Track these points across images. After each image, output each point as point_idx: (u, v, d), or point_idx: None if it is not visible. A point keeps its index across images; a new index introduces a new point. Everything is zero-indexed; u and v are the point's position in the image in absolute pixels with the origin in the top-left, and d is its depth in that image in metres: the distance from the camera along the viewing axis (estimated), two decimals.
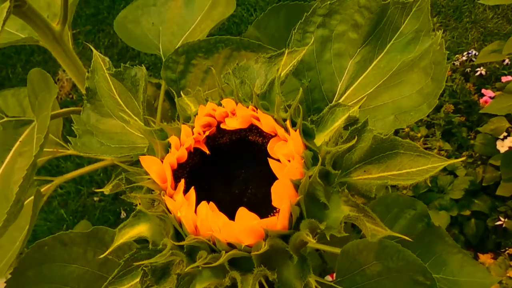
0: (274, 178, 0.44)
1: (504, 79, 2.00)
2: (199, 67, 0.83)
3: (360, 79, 0.49)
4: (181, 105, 0.49)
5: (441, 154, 1.90)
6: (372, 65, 0.50)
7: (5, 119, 0.64)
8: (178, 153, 0.39)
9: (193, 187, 0.37)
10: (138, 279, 0.42)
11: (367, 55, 0.49)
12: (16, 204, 0.49)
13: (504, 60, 2.08)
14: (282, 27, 1.00)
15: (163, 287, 0.40)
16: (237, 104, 0.40)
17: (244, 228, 0.34)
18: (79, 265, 0.55)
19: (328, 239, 0.38)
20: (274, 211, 0.40)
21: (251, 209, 0.43)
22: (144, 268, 0.39)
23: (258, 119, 0.39)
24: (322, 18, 0.50)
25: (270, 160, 0.36)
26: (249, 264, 0.37)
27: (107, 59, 0.48)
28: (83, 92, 0.79)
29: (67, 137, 0.47)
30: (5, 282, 0.54)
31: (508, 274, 1.49)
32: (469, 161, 1.88)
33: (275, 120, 0.39)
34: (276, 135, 0.40)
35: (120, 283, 0.42)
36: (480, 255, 1.76)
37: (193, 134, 0.40)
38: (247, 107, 0.40)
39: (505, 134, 1.82)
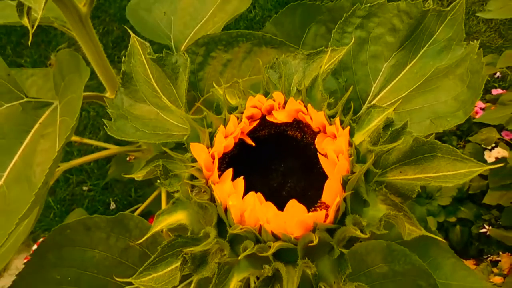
0: (312, 172, 0.45)
1: (494, 91, 2.07)
2: (218, 59, 0.83)
3: (393, 82, 0.51)
4: (216, 94, 0.50)
5: None
6: (406, 69, 0.51)
7: (25, 99, 0.63)
8: (226, 142, 0.39)
9: (242, 176, 0.37)
10: (172, 267, 0.43)
11: (401, 59, 0.51)
12: (44, 186, 0.49)
13: (495, 73, 2.14)
14: (297, 26, 1.01)
15: (200, 275, 0.40)
16: (285, 98, 0.41)
17: (295, 220, 0.34)
18: (100, 250, 0.54)
19: (368, 235, 0.39)
20: (316, 205, 0.41)
21: None
22: (184, 255, 0.39)
23: (306, 114, 0.40)
24: (360, 19, 0.51)
25: (320, 157, 0.37)
26: (289, 255, 0.38)
27: (147, 43, 0.48)
28: (101, 78, 0.78)
29: (103, 120, 0.47)
30: (24, 264, 0.53)
31: (490, 280, 1.54)
32: None
33: None
34: (320, 131, 0.41)
35: (154, 270, 0.42)
36: (464, 261, 1.82)
37: (239, 124, 0.40)
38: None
39: (493, 145, 1.88)
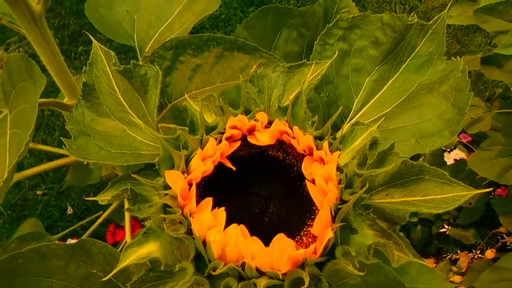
0: (296, 196, 0.42)
1: None
2: (186, 64, 0.78)
3: (376, 97, 0.49)
4: (189, 109, 0.45)
5: None
6: (388, 84, 0.49)
7: None
8: (204, 167, 0.35)
9: (223, 207, 0.34)
10: None
11: (384, 74, 0.49)
12: None
13: None
14: (269, 30, 0.98)
15: None
16: (268, 118, 0.38)
17: (284, 257, 0.31)
18: (57, 279, 0.49)
19: (357, 266, 0.37)
20: (301, 233, 0.38)
21: (274, 230, 0.40)
22: None
23: (290, 136, 0.37)
24: (343, 31, 0.48)
25: (309, 185, 0.34)
26: None
27: (112, 52, 0.43)
28: (58, 83, 0.71)
29: (61, 138, 0.41)
30: None
31: (451, 279, 1.60)
32: None
33: None
34: (304, 153, 0.38)
35: None
36: (424, 260, 1.88)
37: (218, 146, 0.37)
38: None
39: (452, 147, 1.95)
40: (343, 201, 0.36)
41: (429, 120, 0.44)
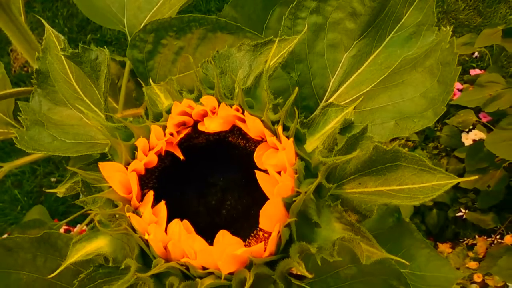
0: (257, 187, 0.39)
1: (472, 72, 2.03)
2: (169, 47, 0.75)
3: (355, 75, 0.44)
4: (150, 95, 0.42)
5: (408, 144, 1.92)
6: (369, 60, 0.45)
7: None
8: (146, 158, 0.32)
9: (163, 201, 0.31)
10: None
11: (364, 49, 0.44)
12: None
13: (473, 53, 2.10)
14: (260, 8, 0.93)
15: None
16: (219, 102, 0.34)
17: (226, 256, 0.28)
18: (27, 271, 0.48)
19: (319, 263, 0.33)
20: (258, 228, 0.35)
21: (231, 224, 0.37)
22: None
23: (243, 121, 0.33)
24: (316, 3, 0.44)
25: (258, 175, 0.31)
26: None
27: (61, 37, 0.40)
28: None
29: (13, 130, 0.39)
30: None
31: (466, 266, 1.54)
32: (435, 152, 1.91)
33: (263, 123, 0.33)
34: (263, 139, 0.35)
35: None
36: (439, 244, 1.82)
37: (164, 135, 0.34)
38: (231, 106, 0.34)
39: (470, 127, 1.86)
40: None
41: (411, 99, 0.40)
